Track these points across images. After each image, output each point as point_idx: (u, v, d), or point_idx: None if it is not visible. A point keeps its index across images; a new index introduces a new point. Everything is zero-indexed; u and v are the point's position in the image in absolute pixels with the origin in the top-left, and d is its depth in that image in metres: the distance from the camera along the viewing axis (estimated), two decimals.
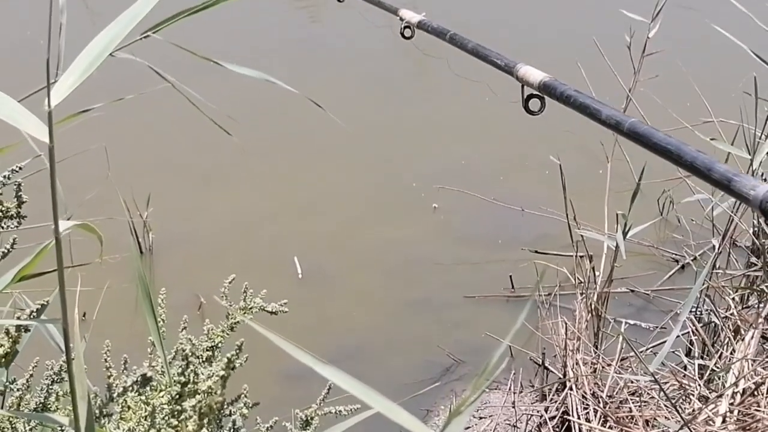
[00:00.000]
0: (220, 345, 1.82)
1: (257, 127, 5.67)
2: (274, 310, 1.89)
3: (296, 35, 7.41)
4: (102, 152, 4.19)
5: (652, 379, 2.95)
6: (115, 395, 1.72)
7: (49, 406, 1.75)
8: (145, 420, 1.71)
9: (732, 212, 3.57)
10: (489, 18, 7.35)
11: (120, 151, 5.01)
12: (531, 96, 1.56)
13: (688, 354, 3.64)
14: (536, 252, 4.69)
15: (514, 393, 3.84)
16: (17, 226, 1.59)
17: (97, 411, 1.71)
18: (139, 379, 1.71)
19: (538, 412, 3.71)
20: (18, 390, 1.73)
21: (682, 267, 4.63)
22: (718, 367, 3.31)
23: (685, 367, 3.54)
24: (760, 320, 3.31)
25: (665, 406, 3.22)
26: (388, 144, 5.83)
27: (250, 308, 1.87)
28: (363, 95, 6.40)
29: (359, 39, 7.11)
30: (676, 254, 4.69)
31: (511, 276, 4.54)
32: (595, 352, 3.62)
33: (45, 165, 1.10)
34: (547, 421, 3.58)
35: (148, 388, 1.75)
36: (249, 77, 1.51)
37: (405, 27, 2.40)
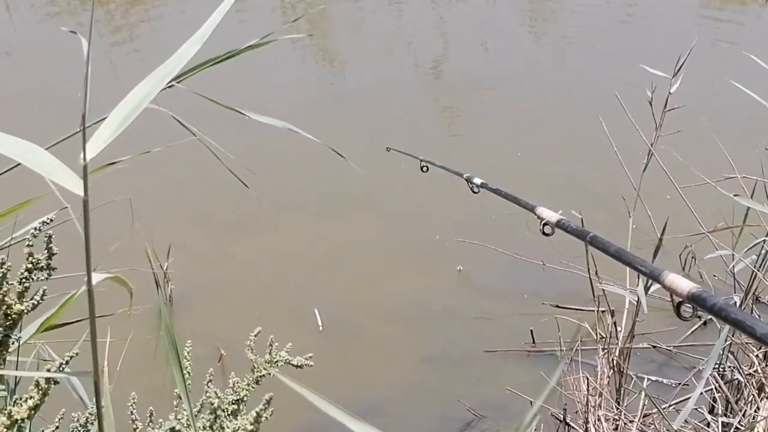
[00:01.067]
0: (245, 398, 1.82)
1: (280, 177, 5.69)
2: (299, 364, 1.88)
3: (319, 87, 7.44)
4: (123, 201, 4.20)
5: None
6: None
7: None
8: None
9: (755, 268, 3.55)
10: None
11: (142, 200, 5.03)
12: (681, 303, 1.54)
13: (712, 411, 3.61)
14: (557, 306, 4.68)
15: None
16: (47, 278, 1.59)
17: None
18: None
19: None
20: None
21: (705, 323, 4.61)
22: (742, 425, 3.28)
23: (708, 425, 3.51)
24: None
25: None
26: (411, 195, 5.82)
27: (276, 361, 1.87)
28: (384, 145, 6.41)
29: (383, 86, 7.14)
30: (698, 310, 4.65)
31: (532, 330, 4.52)
32: (618, 409, 3.60)
33: (70, 215, 1.11)
34: None
35: None
36: (273, 127, 1.52)
37: (544, 224, 2.40)
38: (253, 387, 1.83)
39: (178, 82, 1.56)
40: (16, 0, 8.77)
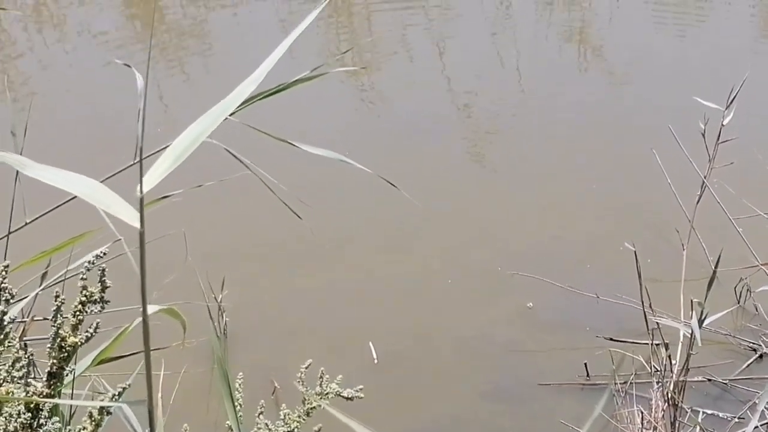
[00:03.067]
0: (296, 430, 1.82)
1: (334, 209, 5.71)
2: (349, 396, 1.89)
3: (362, 118, 7.47)
4: (177, 233, 4.24)
5: None
6: None
7: None
8: None
9: None
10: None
11: (195, 232, 5.07)
12: None
13: None
14: (611, 339, 4.64)
15: None
16: (100, 311, 1.61)
17: None
18: None
19: None
20: None
21: (761, 356, 4.56)
22: None
23: None
24: None
25: None
26: (467, 226, 5.81)
27: (326, 394, 1.87)
28: (442, 174, 6.41)
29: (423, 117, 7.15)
30: (753, 343, 4.62)
31: (586, 363, 4.49)
32: None
33: (123, 248, 1.12)
34: None
35: None
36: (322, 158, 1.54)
37: None
38: (303, 419, 1.83)
39: (230, 116, 1.58)
40: (69, 33, 8.88)
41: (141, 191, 0.97)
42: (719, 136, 3.75)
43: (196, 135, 1.17)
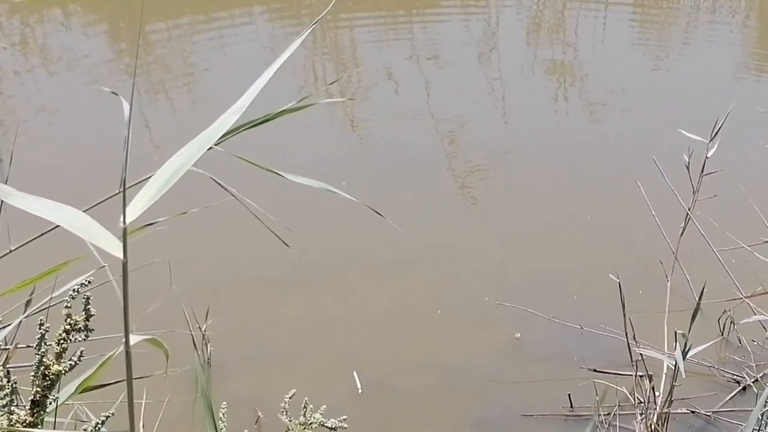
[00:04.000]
0: None
1: (320, 237, 5.71)
2: (333, 426, 1.89)
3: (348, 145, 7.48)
4: (161, 261, 4.23)
5: None
6: None
7: None
8: None
9: None
10: None
11: (180, 260, 5.06)
12: None
13: None
14: (595, 371, 4.65)
15: None
16: (84, 339, 1.61)
17: None
18: None
19: None
20: None
21: (744, 388, 4.57)
22: None
23: None
24: None
25: None
26: (455, 256, 5.82)
27: (310, 424, 1.88)
28: (429, 204, 6.42)
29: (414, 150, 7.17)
30: (737, 375, 4.63)
31: (569, 394, 4.50)
32: None
33: (107, 274, 1.13)
34: None
35: None
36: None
37: None
38: None
39: (216, 145, 1.59)
40: (55, 60, 8.89)
41: (124, 222, 0.97)
42: (703, 168, 3.77)
43: (179, 165, 1.17)
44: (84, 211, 1.17)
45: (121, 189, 0.99)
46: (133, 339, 1.11)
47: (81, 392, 1.76)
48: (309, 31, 1.73)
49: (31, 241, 1.95)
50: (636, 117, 7.42)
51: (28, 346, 2.18)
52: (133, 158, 1.20)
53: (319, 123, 7.30)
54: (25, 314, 2.02)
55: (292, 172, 1.69)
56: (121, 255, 0.98)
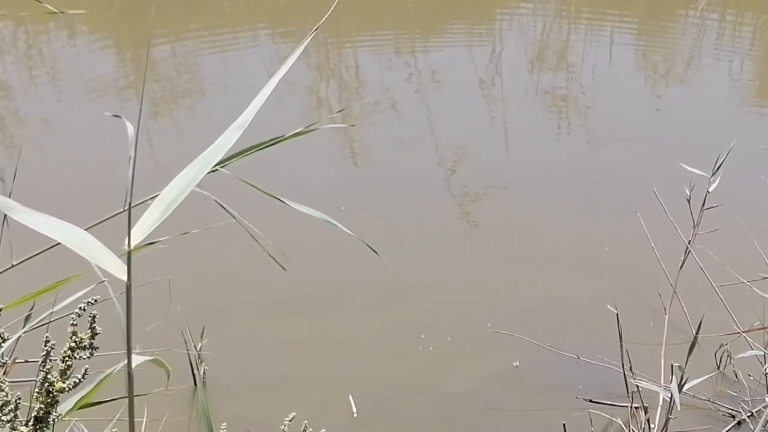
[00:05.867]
0: None
1: (321, 260, 5.71)
2: None
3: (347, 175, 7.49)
4: (161, 280, 4.23)
5: None
6: None
7: None
8: None
9: None
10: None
11: (179, 280, 5.05)
12: None
13: None
14: (591, 401, 4.65)
15: None
16: (89, 357, 1.62)
17: None
18: None
19: None
20: None
21: (739, 423, 4.56)
22: None
23: None
24: None
25: None
26: (455, 283, 5.82)
27: None
28: (430, 233, 6.42)
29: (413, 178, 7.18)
30: (732, 409, 4.63)
31: (564, 424, 4.49)
32: None
33: (107, 289, 1.14)
34: None
35: None
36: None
37: None
38: None
39: (222, 167, 1.60)
40: (60, 79, 8.92)
41: (129, 245, 0.98)
42: (704, 202, 3.79)
43: (183, 186, 1.18)
44: (86, 230, 1.17)
45: (126, 209, 1.00)
46: (136, 359, 1.11)
47: (79, 409, 1.76)
48: (308, 39, 1.74)
49: (33, 256, 1.96)
50: (638, 148, 7.44)
51: (26, 361, 2.19)
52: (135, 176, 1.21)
53: (320, 146, 7.31)
54: (25, 329, 2.03)
55: (291, 195, 1.70)
56: (125, 277, 0.99)
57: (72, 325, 1.60)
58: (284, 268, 1.77)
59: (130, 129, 1.42)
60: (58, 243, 1.23)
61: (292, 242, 5.49)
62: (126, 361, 1.01)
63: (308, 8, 10.55)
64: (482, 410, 4.71)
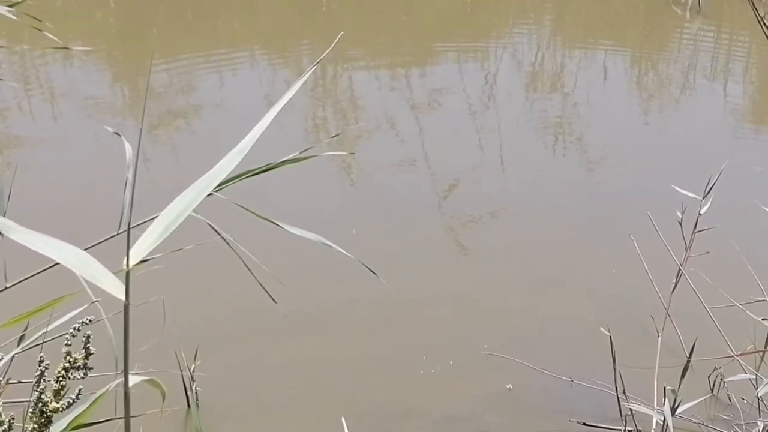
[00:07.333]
0: None
1: (316, 282, 5.70)
2: None
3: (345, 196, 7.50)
4: (156, 300, 4.23)
5: None
6: None
7: None
8: None
9: None
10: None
11: (173, 301, 5.04)
12: None
13: None
14: (585, 424, 4.65)
15: None
16: (83, 377, 1.62)
17: None
18: None
19: None
20: None
21: None
22: None
23: None
24: None
25: None
26: (449, 306, 5.81)
27: None
28: (425, 255, 6.42)
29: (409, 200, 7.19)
30: None
31: None
32: None
33: (99, 308, 1.14)
34: None
35: None
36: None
37: None
38: None
39: (216, 191, 1.61)
40: (58, 98, 8.94)
41: (128, 265, 0.99)
42: (696, 224, 3.80)
43: (181, 208, 1.19)
44: (85, 250, 1.18)
45: (125, 230, 1.01)
46: (133, 379, 1.12)
47: (72, 430, 1.76)
48: (311, 71, 1.75)
49: (30, 277, 1.96)
50: (632, 171, 7.46)
51: (20, 382, 2.19)
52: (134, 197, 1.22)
53: (316, 168, 7.32)
54: (19, 349, 2.03)
55: (288, 217, 1.71)
56: (123, 297, 0.99)
57: (66, 345, 1.60)
58: (275, 300, 1.77)
59: (129, 149, 1.43)
60: (55, 264, 1.23)
61: (288, 262, 5.50)
62: (121, 381, 1.02)
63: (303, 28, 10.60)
64: None
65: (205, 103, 8.82)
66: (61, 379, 1.60)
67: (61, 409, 1.59)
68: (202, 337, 4.94)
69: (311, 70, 1.69)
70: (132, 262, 1.01)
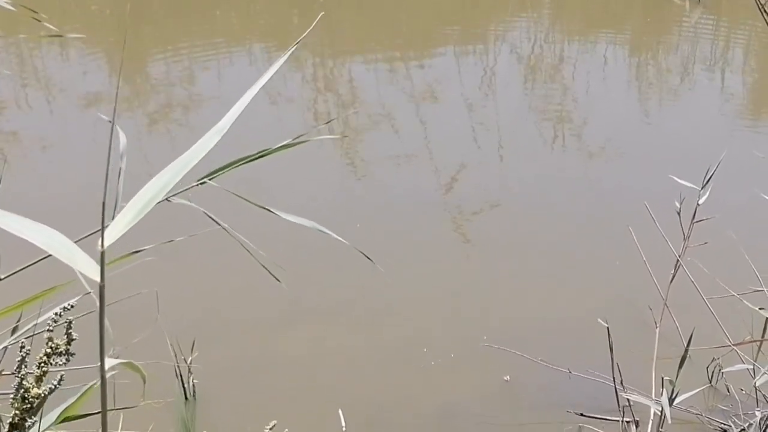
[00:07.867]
0: None
1: (312, 274, 5.69)
2: None
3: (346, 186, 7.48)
4: (152, 292, 4.22)
5: None
6: None
7: None
8: None
9: None
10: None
11: (168, 293, 5.04)
12: None
13: None
14: (582, 415, 4.63)
15: None
16: (65, 363, 1.61)
17: None
18: None
19: None
20: None
21: None
22: None
23: None
24: None
25: None
26: (447, 298, 5.80)
27: None
28: (424, 248, 6.41)
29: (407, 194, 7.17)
30: (723, 423, 4.61)
31: None
32: None
33: (95, 304, 1.13)
34: None
35: None
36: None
37: None
38: None
39: (210, 179, 1.59)
40: (51, 88, 8.93)
41: (102, 245, 0.97)
42: (694, 215, 3.78)
43: (154, 193, 1.17)
44: (78, 240, 1.16)
45: (102, 214, 0.99)
46: (109, 362, 1.10)
47: (62, 422, 1.75)
48: (291, 50, 1.74)
49: (20, 270, 1.95)
50: (632, 163, 7.45)
51: (12, 374, 2.17)
52: (127, 187, 1.21)
53: (314, 162, 7.31)
54: (10, 339, 2.02)
55: (286, 209, 1.69)
56: (98, 277, 0.97)
57: (48, 330, 1.59)
58: (278, 280, 1.75)
59: (122, 137, 1.42)
60: (46, 256, 1.22)
61: (287, 254, 5.48)
62: (99, 367, 1.00)
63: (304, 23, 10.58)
64: (474, 425, 4.69)
65: (204, 95, 8.80)
66: (42, 364, 1.59)
67: (43, 394, 1.58)
68: (199, 330, 4.93)
69: (294, 47, 1.67)
70: (107, 243, 0.99)
